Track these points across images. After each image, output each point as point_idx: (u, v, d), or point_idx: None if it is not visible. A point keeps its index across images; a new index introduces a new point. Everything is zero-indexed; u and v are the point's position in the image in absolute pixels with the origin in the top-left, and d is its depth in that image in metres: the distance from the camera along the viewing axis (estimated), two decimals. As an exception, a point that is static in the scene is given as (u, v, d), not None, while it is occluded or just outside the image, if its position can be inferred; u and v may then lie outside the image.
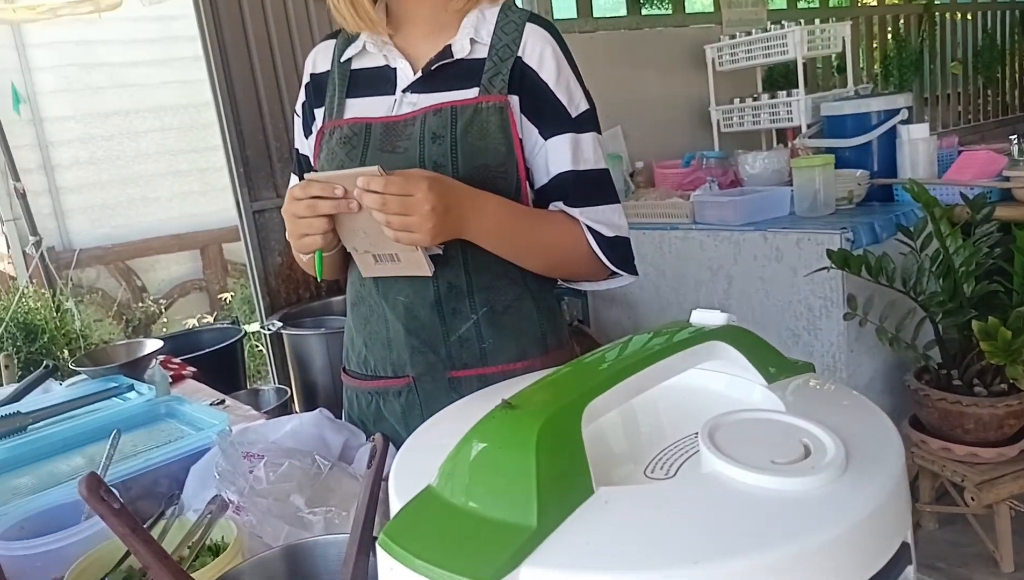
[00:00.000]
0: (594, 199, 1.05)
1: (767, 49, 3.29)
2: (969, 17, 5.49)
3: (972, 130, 5.30)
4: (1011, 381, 1.93)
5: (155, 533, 0.83)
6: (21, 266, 5.20)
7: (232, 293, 5.74)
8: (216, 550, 0.82)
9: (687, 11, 3.83)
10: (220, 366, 2.58)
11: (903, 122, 2.58)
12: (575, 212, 1.05)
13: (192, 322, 5.51)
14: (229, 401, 1.64)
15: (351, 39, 1.12)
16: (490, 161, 1.01)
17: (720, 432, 0.48)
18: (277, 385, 2.67)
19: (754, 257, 2.42)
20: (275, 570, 0.72)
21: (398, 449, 0.59)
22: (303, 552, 0.73)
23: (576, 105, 1.05)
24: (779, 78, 3.71)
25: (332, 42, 1.16)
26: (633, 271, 1.10)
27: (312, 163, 1.14)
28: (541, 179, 1.06)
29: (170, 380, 1.64)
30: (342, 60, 1.13)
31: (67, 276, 5.13)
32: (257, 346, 4.30)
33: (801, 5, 4.35)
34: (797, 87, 3.15)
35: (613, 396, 0.49)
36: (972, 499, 1.98)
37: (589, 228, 1.05)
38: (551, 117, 1.04)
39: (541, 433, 0.45)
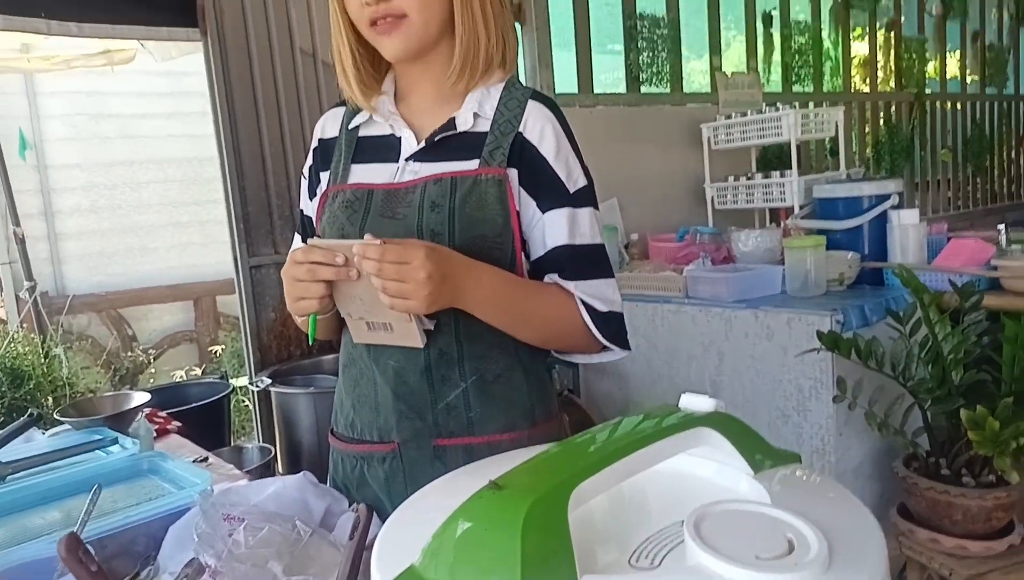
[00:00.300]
0: (589, 273, 1.07)
1: (762, 130, 3.37)
2: (958, 107, 5.66)
3: (961, 217, 5.40)
4: (999, 473, 1.92)
5: (129, 597, 0.81)
6: (13, 310, 5.18)
7: (223, 346, 5.71)
8: (190, 617, 0.80)
9: (685, 90, 3.94)
10: (206, 421, 2.55)
11: (894, 207, 2.63)
12: (569, 285, 1.06)
13: (180, 374, 5.46)
14: (212, 459, 1.62)
15: (360, 107, 1.15)
16: (487, 231, 1.03)
17: (706, 523, 0.48)
18: (261, 443, 2.63)
19: (745, 334, 2.44)
20: (250, 641, 0.71)
21: (380, 517, 0.59)
22: (279, 624, 0.71)
23: (574, 181, 1.07)
24: (773, 158, 3.80)
25: (342, 109, 1.19)
26: (626, 346, 1.10)
27: (315, 225, 1.16)
28: (537, 251, 1.08)
29: (154, 435, 1.63)
30: (350, 127, 1.16)
31: (58, 322, 5.11)
32: (243, 401, 4.26)
33: (796, 89, 4.48)
34: (791, 168, 3.22)
35: (601, 480, 0.50)
36: (961, 592, 1.94)
37: (583, 302, 1.06)
38: (549, 191, 1.06)
39: (528, 516, 0.45)
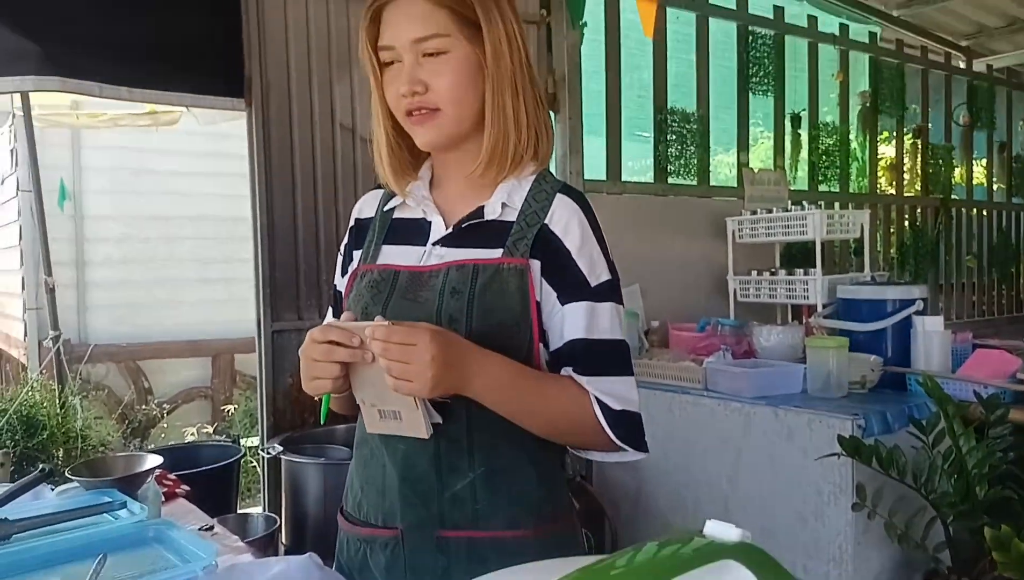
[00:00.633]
0: (605, 369, 1.06)
1: (787, 227, 3.39)
2: (984, 214, 5.67)
3: (986, 324, 5.34)
4: (1026, 596, 1.84)
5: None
6: (34, 356, 5.25)
7: (236, 405, 5.71)
8: None
9: (711, 183, 4.00)
10: (215, 485, 2.53)
11: (918, 313, 2.61)
12: (583, 380, 1.05)
13: (192, 430, 5.46)
14: (218, 527, 1.60)
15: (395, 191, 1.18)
16: (505, 320, 1.03)
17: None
18: (267, 512, 2.60)
19: (764, 432, 2.40)
20: None
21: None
22: None
23: (597, 275, 1.07)
24: (797, 254, 3.81)
25: (380, 191, 1.23)
26: (641, 448, 1.08)
27: (344, 302, 1.18)
28: (555, 343, 1.08)
29: (163, 499, 1.62)
30: (385, 209, 1.19)
31: (78, 370, 5.15)
32: (251, 462, 4.24)
33: (822, 188, 4.52)
34: (815, 266, 3.23)
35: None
36: None
37: (597, 398, 1.05)
38: (570, 283, 1.06)
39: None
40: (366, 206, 1.23)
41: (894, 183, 5.09)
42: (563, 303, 1.06)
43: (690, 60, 3.92)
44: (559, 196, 1.10)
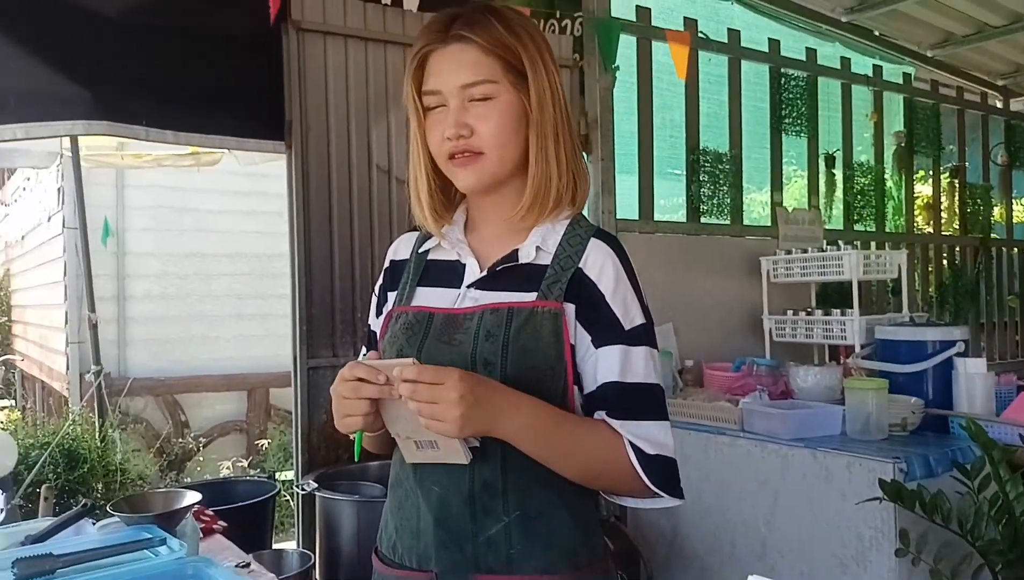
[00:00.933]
0: (638, 413, 1.06)
1: (823, 267, 3.36)
2: (1025, 253, 5.57)
3: (1030, 364, 5.21)
4: (1080, 651, 1.77)
5: None
6: (76, 390, 5.36)
7: (270, 439, 5.76)
8: None
9: (744, 222, 3.98)
10: (250, 521, 2.55)
11: (960, 354, 2.56)
12: (617, 424, 1.05)
13: (227, 464, 5.50)
14: (254, 564, 1.62)
15: (430, 233, 1.20)
16: (539, 363, 1.04)
17: None
18: (302, 549, 2.61)
19: (803, 475, 2.36)
20: None
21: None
22: None
23: (631, 319, 1.08)
24: (833, 294, 3.77)
25: (415, 234, 1.25)
26: (677, 494, 1.07)
27: (379, 342, 1.20)
28: (589, 386, 1.08)
29: (200, 535, 1.64)
30: (420, 251, 1.21)
31: (117, 403, 5.25)
32: (285, 496, 4.26)
33: (858, 228, 4.48)
34: (851, 306, 3.19)
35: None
36: None
37: (631, 443, 1.04)
38: (604, 327, 1.07)
39: None
40: (401, 248, 1.25)
41: (931, 222, 5.03)
42: (597, 346, 1.07)
43: (722, 100, 3.94)
44: (593, 240, 1.11)
